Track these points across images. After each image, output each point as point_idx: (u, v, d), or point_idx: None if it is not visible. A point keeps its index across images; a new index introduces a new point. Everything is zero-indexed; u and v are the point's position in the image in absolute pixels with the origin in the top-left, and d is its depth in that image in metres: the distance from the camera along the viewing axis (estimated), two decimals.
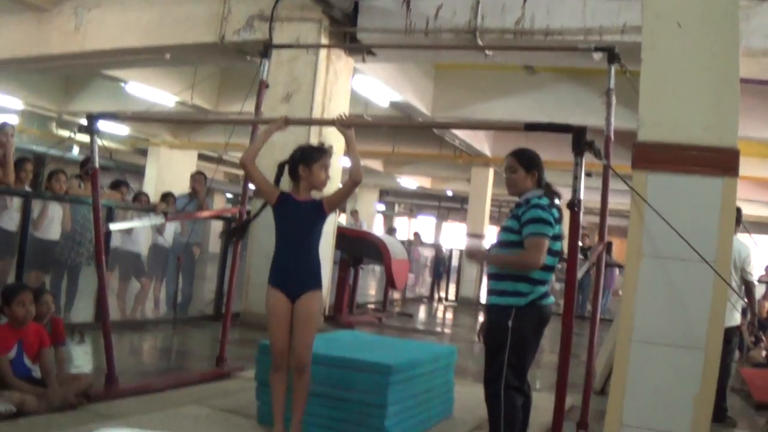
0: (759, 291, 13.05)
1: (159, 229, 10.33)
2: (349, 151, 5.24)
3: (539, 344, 5.09)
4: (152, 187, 22.77)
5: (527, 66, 14.81)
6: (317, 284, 5.13)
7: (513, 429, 4.80)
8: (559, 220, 4.93)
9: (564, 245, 4.97)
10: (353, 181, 5.08)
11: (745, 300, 7.60)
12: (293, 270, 5.07)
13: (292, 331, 5.05)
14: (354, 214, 25.87)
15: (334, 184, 8.72)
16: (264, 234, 10.75)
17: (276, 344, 5.06)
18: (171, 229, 10.81)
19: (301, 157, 5.17)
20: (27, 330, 5.68)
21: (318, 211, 5.10)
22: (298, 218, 5.09)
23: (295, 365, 5.04)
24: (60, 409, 5.42)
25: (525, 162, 5.07)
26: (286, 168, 5.23)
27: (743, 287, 7.48)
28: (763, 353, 11.42)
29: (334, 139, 8.72)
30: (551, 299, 5.02)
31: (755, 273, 7.81)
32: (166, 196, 11.24)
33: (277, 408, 5.07)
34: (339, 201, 5.33)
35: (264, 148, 5.32)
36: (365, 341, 6.21)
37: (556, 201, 5.04)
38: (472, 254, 6.01)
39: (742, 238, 7.33)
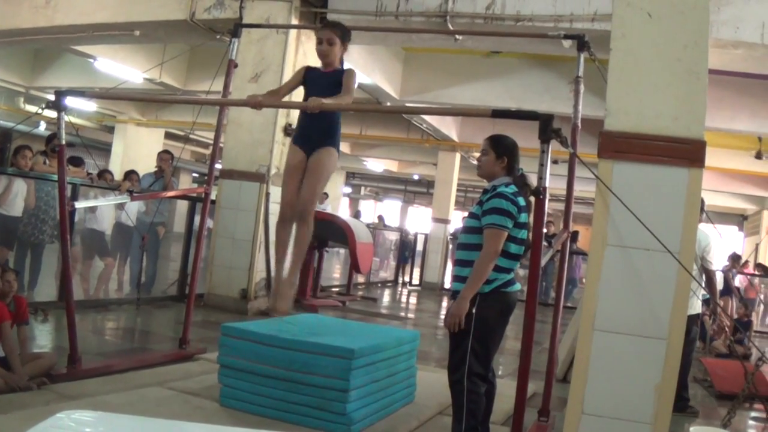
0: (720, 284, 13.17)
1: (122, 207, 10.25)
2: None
3: (504, 331, 5.11)
4: (118, 164, 22.55)
5: (492, 51, 14.81)
6: (333, 143, 5.68)
7: (476, 416, 4.81)
8: (525, 209, 4.92)
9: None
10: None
11: (706, 289, 7.64)
12: (311, 128, 5.65)
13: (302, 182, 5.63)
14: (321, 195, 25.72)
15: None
16: (228, 215, 10.72)
17: (285, 195, 5.69)
18: (135, 207, 10.72)
19: None
20: None
21: (338, 81, 5.54)
22: (318, 84, 5.57)
23: (298, 211, 5.58)
24: (22, 389, 5.38)
25: (497, 147, 5.08)
26: None
27: (704, 276, 7.52)
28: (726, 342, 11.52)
29: None
30: (517, 286, 5.01)
31: (715, 262, 7.85)
32: (129, 174, 11.14)
33: (279, 256, 5.69)
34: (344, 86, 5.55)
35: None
36: (328, 325, 6.18)
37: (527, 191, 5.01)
38: (454, 315, 5.35)
39: (704, 227, 7.38)
